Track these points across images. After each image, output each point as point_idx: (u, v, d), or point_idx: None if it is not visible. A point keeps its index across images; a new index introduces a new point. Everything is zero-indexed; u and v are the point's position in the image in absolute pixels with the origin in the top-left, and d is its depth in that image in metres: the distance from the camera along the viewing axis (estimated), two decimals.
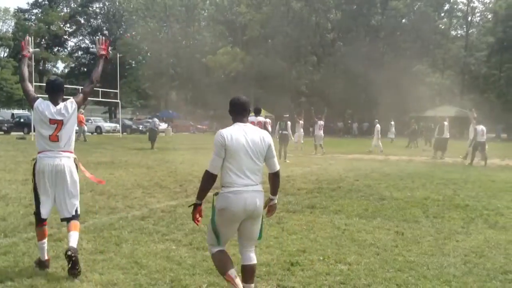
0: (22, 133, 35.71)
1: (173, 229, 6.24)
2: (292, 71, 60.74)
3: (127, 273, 4.48)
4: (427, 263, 4.92)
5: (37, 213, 4.67)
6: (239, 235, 3.94)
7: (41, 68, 68.37)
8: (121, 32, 75.80)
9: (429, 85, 57.07)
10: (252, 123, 11.88)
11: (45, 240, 4.65)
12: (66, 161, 4.60)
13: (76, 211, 4.70)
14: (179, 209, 7.60)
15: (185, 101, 76.10)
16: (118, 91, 39.19)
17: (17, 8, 67.69)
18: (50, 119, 4.52)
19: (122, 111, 46.31)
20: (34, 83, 35.32)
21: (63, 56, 74.20)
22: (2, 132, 37.90)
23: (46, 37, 68.65)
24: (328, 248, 5.39)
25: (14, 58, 62.51)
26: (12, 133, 37.18)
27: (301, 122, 22.14)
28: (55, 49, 72.94)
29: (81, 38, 77.85)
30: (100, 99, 37.07)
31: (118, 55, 47.52)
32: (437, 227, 6.62)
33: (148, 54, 71.98)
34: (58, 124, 4.55)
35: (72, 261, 4.23)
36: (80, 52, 77.77)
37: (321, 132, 21.03)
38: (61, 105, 4.62)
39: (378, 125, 23.94)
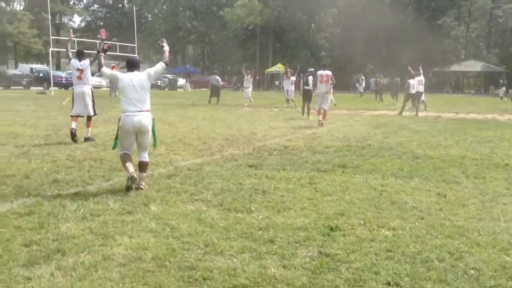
0: (41, 88, 35.67)
1: (201, 188, 5.96)
2: (311, 24, 59.15)
3: (158, 236, 4.22)
4: (477, 228, 4.56)
5: (72, 114, 9.60)
6: (137, 144, 5.99)
7: (57, 21, 67.68)
8: None
9: (454, 39, 55.13)
10: (321, 76, 13.76)
11: (75, 123, 9.46)
12: (87, 88, 9.66)
13: (92, 113, 9.79)
14: (206, 167, 7.31)
15: (203, 56, 75.19)
16: (135, 45, 38.62)
17: None
18: (77, 68, 9.51)
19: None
20: (51, 37, 34.97)
21: (79, 10, 73.15)
22: (22, 87, 37.97)
23: None
24: (367, 211, 5.06)
25: (30, 11, 61.88)
26: (32, 88, 37.22)
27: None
28: (71, 2, 71.88)
29: None
30: (118, 53, 36.55)
31: (134, 8, 46.67)
32: (480, 188, 6.22)
33: (164, 7, 70.57)
34: (81, 71, 9.52)
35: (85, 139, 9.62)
36: (96, 6, 76.59)
37: (292, 87, 23.02)
38: (82, 61, 9.59)
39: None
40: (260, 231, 4.38)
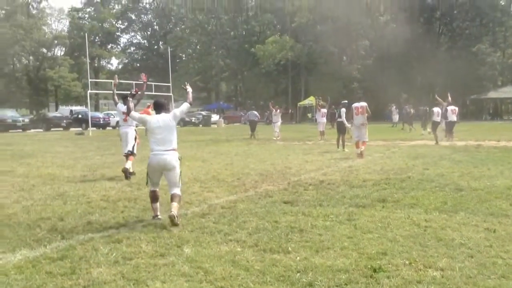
0: (80, 129, 36.71)
1: (235, 227, 5.79)
2: (343, 56, 59.24)
3: (191, 280, 4.05)
4: None
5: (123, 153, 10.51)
6: (167, 181, 6.29)
7: (96, 65, 70.38)
8: (170, 26, 76.68)
9: (491, 65, 53.98)
10: (357, 108, 13.92)
11: (129, 165, 10.14)
12: (130, 129, 10.45)
13: (132, 150, 10.39)
14: (240, 204, 7.15)
15: (235, 91, 76.21)
16: (170, 84, 39.48)
17: (71, 7, 69.71)
18: (123, 112, 9.60)
19: (174, 104, 46.68)
20: (89, 80, 36.17)
21: (117, 53, 75.92)
22: (61, 128, 39.18)
23: (100, 35, 70.46)
24: (412, 250, 4.75)
25: (70, 56, 64.52)
26: (71, 129, 38.36)
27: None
28: (109, 46, 74.75)
29: (132, 34, 79.64)
30: (153, 93, 37.40)
31: (169, 49, 47.99)
32: None
33: (198, 47, 72.37)
34: (125, 114, 8.74)
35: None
36: (132, 48, 79.41)
37: (324, 119, 22.86)
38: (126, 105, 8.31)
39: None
40: (298, 274, 4.15)
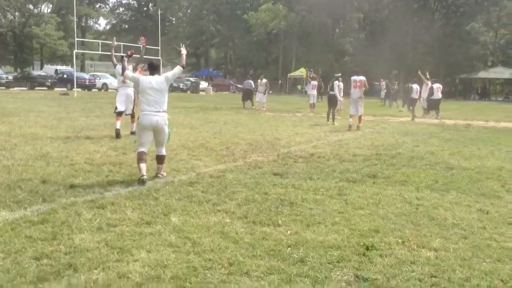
0: (65, 89, 35.98)
1: (224, 197, 5.63)
2: (336, 29, 58.55)
3: (178, 251, 3.89)
4: None
5: (117, 109, 10.77)
6: (154, 141, 6.51)
7: (83, 24, 68.61)
8: None
9: (483, 45, 53.83)
10: (355, 81, 13.85)
11: (119, 122, 10.55)
12: (130, 90, 10.73)
13: (132, 112, 10.98)
14: (228, 174, 6.99)
15: (225, 59, 75.21)
16: (159, 48, 38.66)
17: None
18: (120, 72, 9.12)
19: (162, 69, 45.84)
20: (76, 39, 35.25)
21: (105, 13, 74.02)
22: (46, 88, 38.34)
23: None
24: (405, 228, 4.65)
25: (57, 14, 62.74)
26: (56, 89, 37.56)
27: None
28: (97, 5, 72.74)
29: None
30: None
31: (159, 12, 46.83)
32: None
33: (188, 10, 70.82)
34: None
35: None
36: (121, 9, 77.45)
37: (313, 91, 22.45)
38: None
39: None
40: (289, 249, 4.01)
